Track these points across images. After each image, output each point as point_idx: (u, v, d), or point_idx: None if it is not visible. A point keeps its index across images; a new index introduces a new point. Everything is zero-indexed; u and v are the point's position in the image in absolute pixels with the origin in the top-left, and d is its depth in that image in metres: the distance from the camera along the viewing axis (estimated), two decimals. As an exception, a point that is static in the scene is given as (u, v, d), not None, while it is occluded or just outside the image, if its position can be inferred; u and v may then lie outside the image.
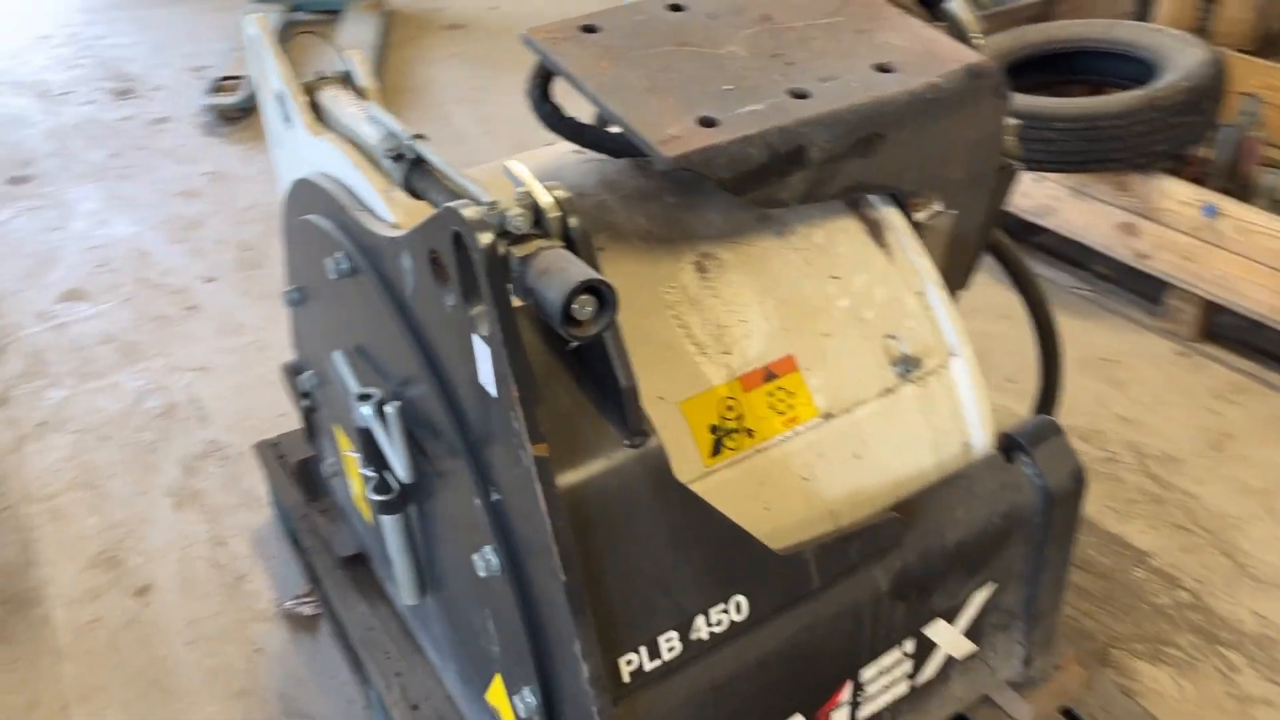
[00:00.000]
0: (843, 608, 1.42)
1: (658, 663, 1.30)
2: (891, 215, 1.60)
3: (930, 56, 1.52)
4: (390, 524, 1.56)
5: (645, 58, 1.50)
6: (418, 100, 4.90)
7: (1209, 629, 2.27)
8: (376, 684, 1.92)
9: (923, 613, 1.53)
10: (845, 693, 1.51)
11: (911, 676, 1.59)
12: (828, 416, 1.48)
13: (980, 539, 1.53)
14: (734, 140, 1.35)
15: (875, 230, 1.59)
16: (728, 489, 1.41)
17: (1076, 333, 3.21)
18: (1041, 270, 3.48)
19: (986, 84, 1.51)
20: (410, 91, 4.98)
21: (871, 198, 1.61)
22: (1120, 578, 2.40)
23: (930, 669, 1.61)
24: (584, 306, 1.09)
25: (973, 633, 1.63)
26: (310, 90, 1.64)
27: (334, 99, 1.61)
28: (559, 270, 1.09)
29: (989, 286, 3.35)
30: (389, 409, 1.40)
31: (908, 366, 1.53)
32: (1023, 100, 3.04)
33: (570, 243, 1.16)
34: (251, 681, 2.21)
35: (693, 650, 1.33)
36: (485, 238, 1.07)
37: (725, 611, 1.34)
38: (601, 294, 1.09)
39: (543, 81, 1.60)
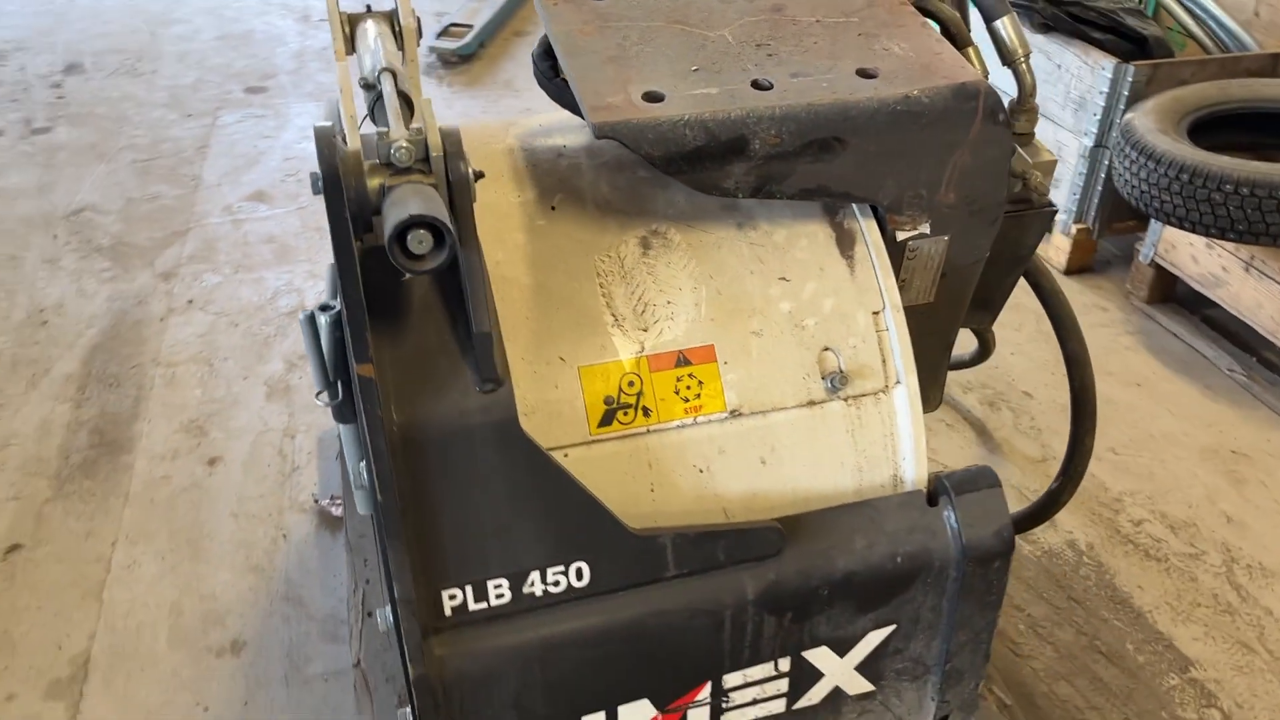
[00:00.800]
0: (700, 604, 1.41)
1: (483, 605, 1.34)
2: (866, 228, 1.54)
3: (924, 69, 1.45)
4: (344, 431, 1.67)
5: (632, 29, 1.52)
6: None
7: (1228, 757, 2.06)
8: (348, 585, 2.05)
9: (801, 635, 1.48)
10: (704, 693, 1.49)
11: (788, 698, 1.54)
12: (735, 414, 1.46)
13: (877, 576, 1.46)
14: (667, 119, 1.35)
15: (844, 240, 1.54)
16: (611, 461, 1.42)
17: (1214, 419, 2.93)
18: (1202, 346, 3.19)
19: (976, 106, 1.43)
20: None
21: (856, 208, 1.55)
22: (1149, 680, 2.20)
23: (815, 696, 1.56)
24: (420, 241, 1.13)
25: (870, 672, 1.56)
26: (351, 21, 1.75)
27: (365, 31, 1.72)
28: (403, 203, 1.14)
29: (1132, 353, 3.13)
30: (320, 318, 1.49)
31: (838, 383, 1.48)
32: (1194, 155, 2.79)
33: (453, 185, 1.21)
34: (267, 561, 2.40)
35: (524, 603, 1.35)
36: (329, 158, 1.13)
37: (564, 574, 1.35)
38: (439, 232, 1.13)
39: (547, 41, 1.64)
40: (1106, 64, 3.27)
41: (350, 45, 1.70)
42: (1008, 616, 2.33)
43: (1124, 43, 3.47)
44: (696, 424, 1.45)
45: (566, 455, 1.40)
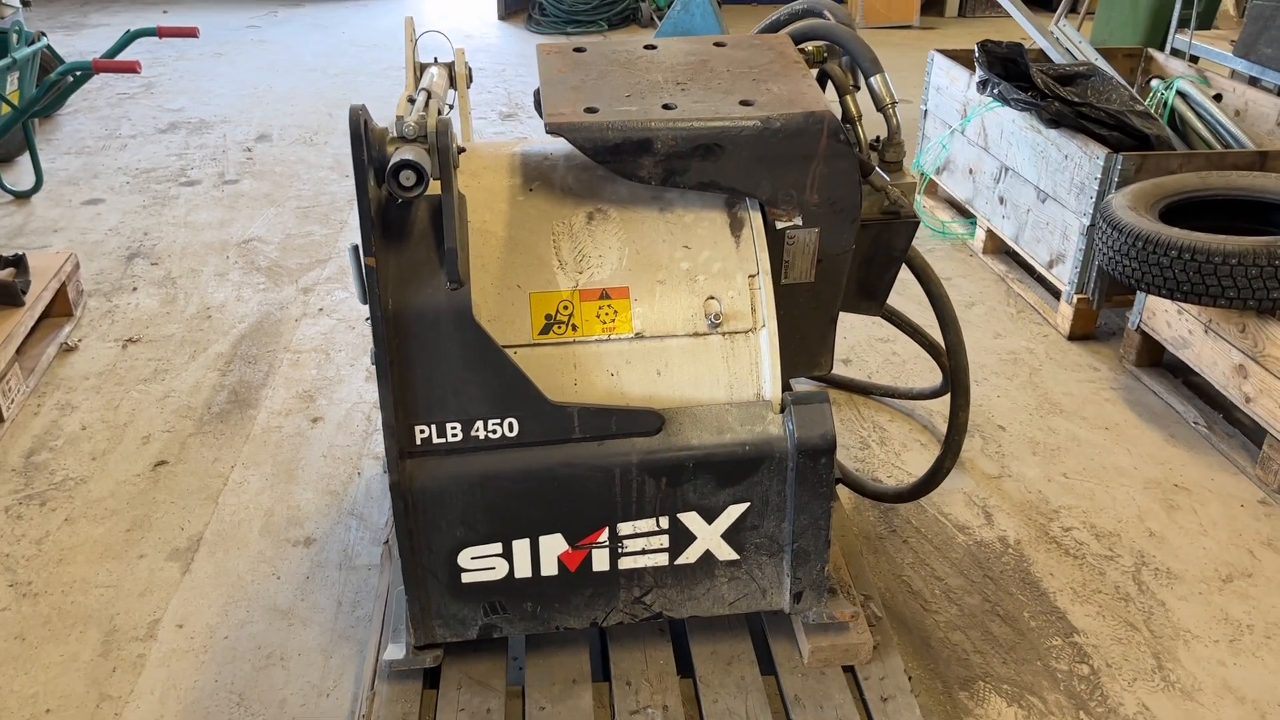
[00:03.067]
0: (598, 462, 1.99)
1: (443, 441, 1.96)
2: (753, 216, 2.14)
3: (789, 102, 2.06)
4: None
5: (594, 69, 2.18)
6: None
7: (1084, 699, 2.45)
8: (391, 493, 2.69)
9: (674, 499, 2.04)
10: (603, 536, 2.06)
11: (670, 553, 2.09)
12: (639, 336, 2.06)
13: (730, 457, 2.02)
14: (596, 123, 2.00)
15: (736, 224, 2.14)
16: (547, 359, 2.04)
17: (1166, 459, 3.31)
18: (1175, 402, 3.57)
19: (821, 128, 2.02)
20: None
21: (748, 202, 2.15)
22: (1034, 639, 2.62)
23: (691, 555, 2.10)
24: (408, 178, 1.81)
25: (733, 542, 2.10)
26: (421, 68, 2.49)
27: (430, 73, 2.45)
28: (399, 154, 1.82)
29: (1110, 404, 3.54)
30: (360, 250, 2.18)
31: (716, 321, 2.06)
32: (1150, 226, 3.25)
33: (440, 151, 1.89)
34: (342, 489, 3.08)
35: (471, 443, 1.97)
36: (357, 125, 1.82)
37: (500, 425, 1.97)
38: (419, 172, 1.80)
39: (545, 82, 2.33)
40: (1100, 153, 3.76)
41: (417, 82, 2.43)
42: (925, 581, 2.78)
43: (1129, 140, 3.95)
44: (610, 340, 2.05)
45: (516, 352, 2.03)
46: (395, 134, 1.91)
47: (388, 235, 1.95)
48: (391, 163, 1.79)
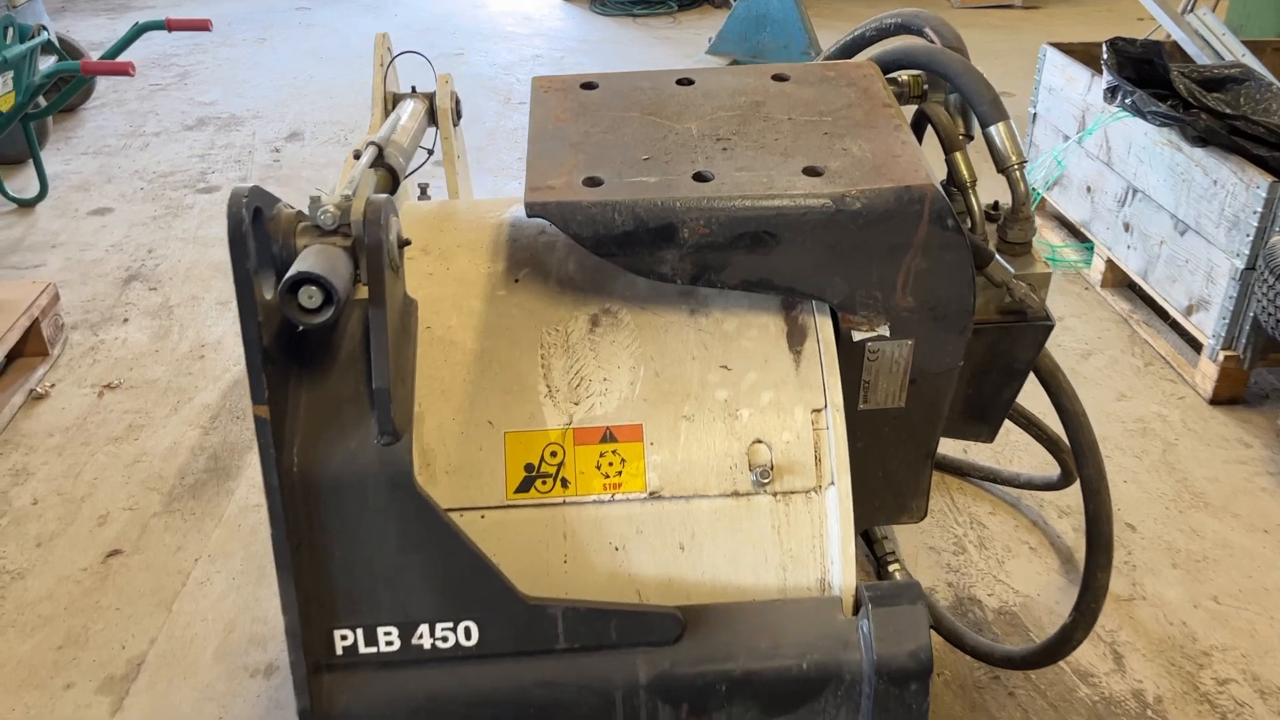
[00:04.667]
0: (589, 681, 1.41)
1: (374, 650, 1.40)
2: (820, 324, 1.53)
3: (873, 170, 1.44)
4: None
5: (605, 118, 1.59)
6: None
7: None
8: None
9: (699, 728, 1.45)
10: (599, 775, 1.48)
11: (693, 795, 1.51)
12: (654, 495, 1.47)
13: (781, 679, 1.42)
14: (596, 202, 1.41)
15: (796, 335, 1.53)
16: (527, 528, 1.46)
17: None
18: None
19: (921, 210, 1.40)
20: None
21: (814, 305, 1.55)
22: None
23: (721, 797, 1.51)
24: (311, 297, 1.24)
25: (783, 781, 1.51)
26: (394, 100, 1.91)
27: (403, 107, 1.88)
28: (301, 260, 1.25)
29: (1268, 495, 2.85)
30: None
31: (764, 476, 1.46)
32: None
33: (370, 250, 1.31)
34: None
35: (413, 654, 1.41)
36: (235, 216, 1.25)
37: (452, 631, 1.40)
38: (327, 290, 1.23)
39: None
40: (1262, 182, 3.04)
41: (386, 117, 1.86)
42: (1039, 758, 2.16)
43: (1294, 162, 3.22)
44: (614, 501, 1.47)
45: (483, 516, 1.45)
46: (312, 221, 1.34)
47: (301, 358, 1.39)
48: (287, 275, 1.22)
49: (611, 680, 1.42)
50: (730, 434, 1.49)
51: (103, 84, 6.09)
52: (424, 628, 1.40)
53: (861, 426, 1.64)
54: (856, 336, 1.53)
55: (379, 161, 1.60)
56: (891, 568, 2.14)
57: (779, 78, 1.68)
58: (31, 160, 4.59)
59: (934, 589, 2.62)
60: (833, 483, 1.48)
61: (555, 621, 1.40)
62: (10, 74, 4.10)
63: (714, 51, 6.28)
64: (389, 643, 1.40)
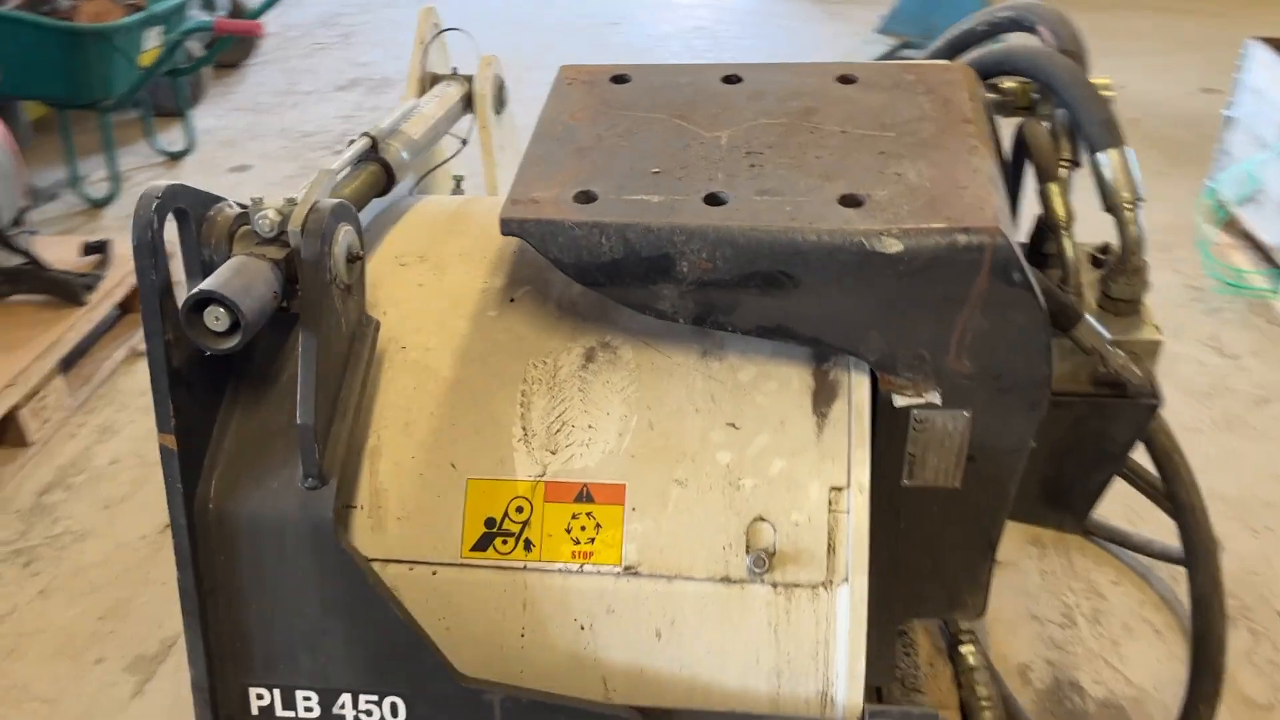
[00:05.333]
0: (532, 781, 1.21)
1: (292, 714, 1.23)
2: (854, 383, 1.26)
3: (927, 204, 1.16)
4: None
5: (626, 119, 1.36)
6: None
7: None
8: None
9: None
10: None
11: None
12: (630, 570, 1.24)
13: (757, 810, 1.18)
14: (583, 223, 1.18)
15: (823, 394, 1.27)
16: (484, 591, 1.26)
17: None
18: None
19: (980, 259, 1.12)
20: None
21: (852, 360, 1.28)
22: None
23: None
24: (218, 319, 1.07)
25: None
26: (431, 80, 1.73)
27: (436, 91, 1.69)
28: (213, 277, 1.08)
29: None
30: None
31: (763, 562, 1.21)
32: None
33: (307, 265, 1.13)
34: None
35: (334, 724, 1.23)
36: (143, 220, 1.08)
37: (377, 705, 1.22)
38: (235, 312, 1.06)
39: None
40: None
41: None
42: None
43: None
44: (583, 572, 1.25)
45: (435, 573, 1.26)
46: (255, 226, 1.17)
47: (242, 381, 1.23)
48: (188, 295, 1.05)
49: (556, 784, 1.21)
50: (729, 507, 1.24)
51: (269, 42, 6.19)
52: (346, 698, 1.22)
53: (906, 504, 1.36)
54: (899, 402, 1.26)
55: (371, 155, 1.42)
56: (964, 648, 1.84)
57: (845, 79, 1.41)
58: (196, 112, 4.67)
59: (1029, 667, 2.30)
60: (846, 579, 1.22)
61: (493, 710, 1.20)
62: (160, 28, 4.15)
63: (884, 31, 5.86)
64: (308, 709, 1.23)
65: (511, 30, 6.34)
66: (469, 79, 1.75)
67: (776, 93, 1.38)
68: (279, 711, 1.24)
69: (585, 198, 1.22)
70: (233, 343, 1.07)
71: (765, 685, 1.24)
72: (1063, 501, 1.44)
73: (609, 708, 1.20)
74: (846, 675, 1.22)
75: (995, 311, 1.17)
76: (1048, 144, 1.35)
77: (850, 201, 1.18)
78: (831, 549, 1.22)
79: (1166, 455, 1.48)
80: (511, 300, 1.39)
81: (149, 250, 1.08)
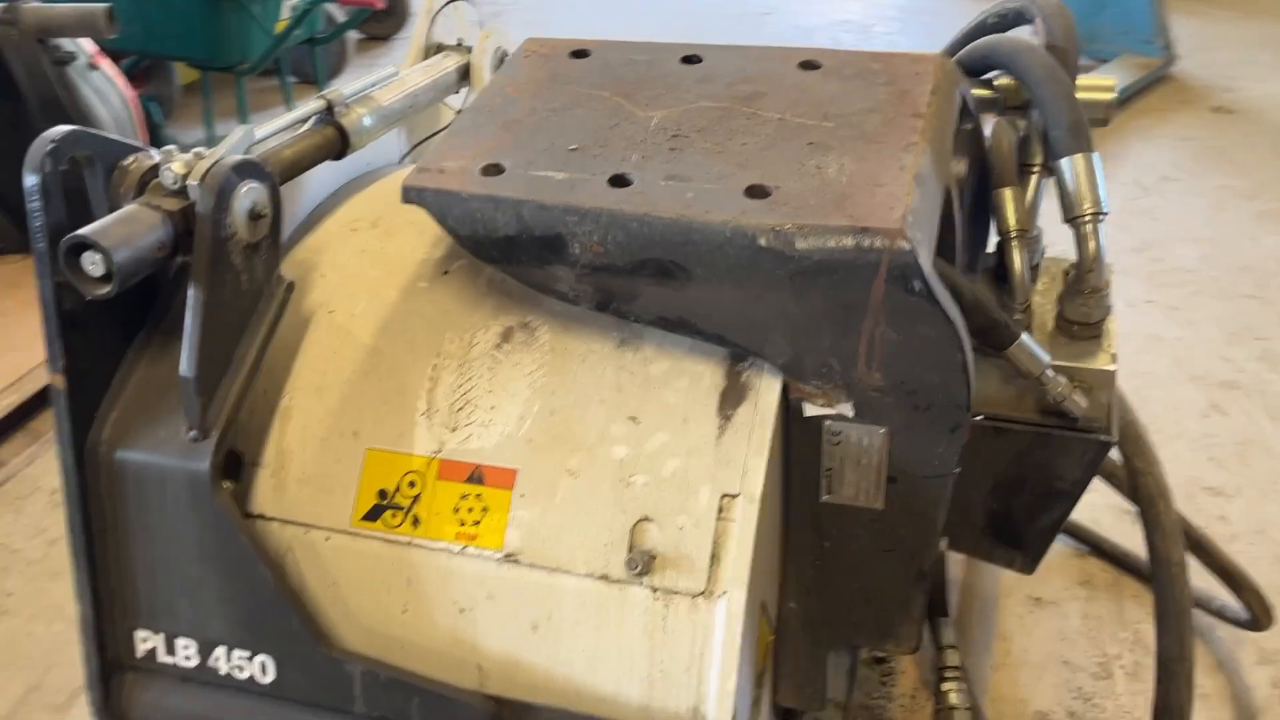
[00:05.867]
0: (383, 762, 1.19)
1: (172, 660, 1.25)
2: (765, 387, 1.19)
3: (835, 201, 1.08)
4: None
5: (567, 94, 1.31)
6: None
7: None
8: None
9: None
10: None
11: None
12: (511, 558, 1.20)
13: (600, 821, 1.13)
14: (479, 196, 1.15)
15: (731, 395, 1.20)
16: (371, 563, 1.25)
17: None
18: None
19: (877, 263, 1.03)
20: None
21: (768, 365, 1.20)
22: None
23: None
24: (94, 264, 1.08)
25: None
26: (435, 50, 1.73)
27: (430, 61, 1.69)
28: (96, 223, 1.10)
29: None
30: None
31: (643, 564, 1.16)
32: None
33: (201, 220, 1.14)
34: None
35: (209, 675, 1.24)
36: (36, 165, 1.11)
37: (248, 661, 1.22)
38: (109, 259, 1.07)
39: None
40: None
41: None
42: None
43: None
44: (465, 554, 1.22)
45: (328, 539, 1.26)
46: (160, 177, 1.18)
47: (155, 326, 1.25)
48: (70, 238, 1.07)
49: (406, 768, 1.19)
50: (616, 503, 1.19)
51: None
52: (220, 650, 1.23)
53: (830, 523, 1.28)
54: (809, 411, 1.18)
55: (326, 118, 1.42)
56: (947, 685, 1.72)
57: (809, 65, 1.32)
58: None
59: (1047, 716, 2.13)
60: (726, 592, 1.15)
61: (353, 682, 1.19)
62: (297, -1, 4.32)
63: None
64: (187, 657, 1.25)
65: (660, 15, 6.33)
66: (469, 51, 1.73)
67: (729, 76, 1.31)
68: (161, 656, 1.26)
69: (493, 170, 1.19)
70: (106, 289, 1.08)
71: (637, 693, 1.18)
72: (1011, 539, 1.32)
73: (466, 694, 1.17)
74: (718, 694, 1.15)
75: (901, 323, 1.07)
76: (1007, 147, 1.23)
77: (757, 192, 1.11)
78: (715, 558, 1.16)
79: (1150, 501, 1.35)
80: (445, 273, 1.36)
81: (41, 192, 1.11)
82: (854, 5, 6.82)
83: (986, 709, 2.03)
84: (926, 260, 1.04)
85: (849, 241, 1.03)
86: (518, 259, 1.16)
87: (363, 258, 1.41)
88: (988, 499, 1.29)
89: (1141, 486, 1.34)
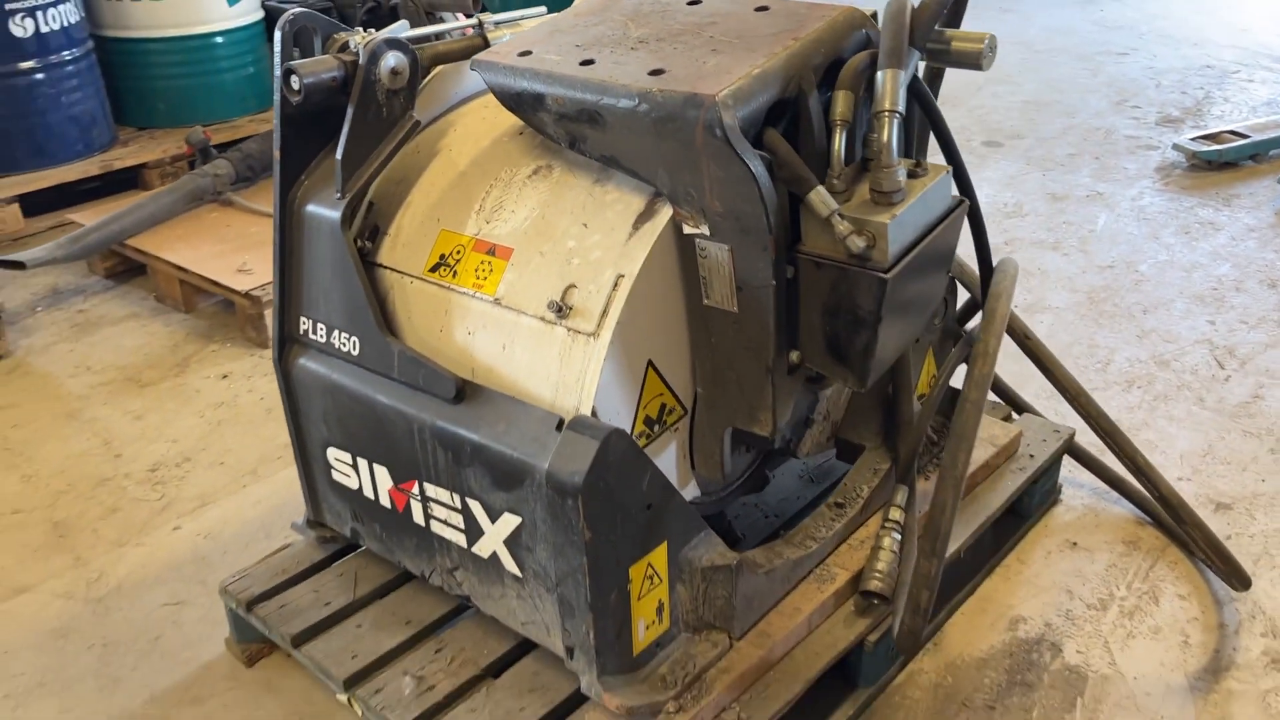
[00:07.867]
0: (402, 408, 1.92)
1: (316, 338, 2.07)
2: (663, 214, 1.79)
3: (694, 78, 1.66)
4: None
5: (606, 18, 1.96)
6: None
7: None
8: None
9: (461, 480, 1.87)
10: (415, 488, 1.99)
11: (466, 536, 1.94)
12: (498, 302, 1.89)
13: (499, 459, 1.78)
14: (507, 67, 1.85)
15: (644, 215, 1.81)
16: (429, 298, 2.00)
17: None
18: None
19: (695, 114, 1.60)
20: None
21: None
22: None
23: (483, 549, 1.92)
24: (294, 82, 1.91)
25: (515, 556, 1.86)
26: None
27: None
28: (300, 60, 1.93)
29: None
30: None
31: (562, 311, 1.80)
32: None
33: (361, 72, 1.95)
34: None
35: (330, 349, 2.05)
36: (282, 27, 1.95)
37: (347, 340, 2.01)
38: (301, 81, 1.90)
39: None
40: None
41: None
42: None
43: None
44: (475, 297, 1.93)
45: (411, 282, 2.02)
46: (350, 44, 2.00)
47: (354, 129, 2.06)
48: (284, 65, 1.92)
49: (414, 415, 1.91)
50: (559, 274, 1.84)
51: None
52: (336, 332, 2.03)
53: (711, 322, 1.84)
54: (686, 230, 1.76)
55: (479, 31, 2.17)
56: (882, 532, 2.16)
57: (760, 9, 1.88)
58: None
59: (1023, 619, 2.44)
60: (600, 334, 1.76)
61: (394, 357, 1.94)
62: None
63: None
64: (320, 336, 2.06)
65: (1055, 60, 6.59)
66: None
67: (706, 13, 1.91)
68: (311, 334, 2.08)
69: (524, 55, 1.88)
70: (298, 98, 1.91)
71: (549, 394, 1.83)
72: (841, 357, 1.79)
73: (447, 371, 1.87)
74: (590, 396, 1.76)
75: (720, 162, 1.64)
76: (855, 63, 1.72)
77: (656, 73, 1.71)
78: (604, 313, 1.78)
79: (974, 360, 1.76)
80: (520, 133, 2.08)
81: (282, 43, 1.96)
82: (1228, 54, 6.66)
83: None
84: (731, 119, 1.59)
85: (680, 100, 1.62)
86: (523, 108, 1.85)
87: (480, 122, 2.16)
88: (822, 322, 1.77)
89: (975, 347, 1.75)
